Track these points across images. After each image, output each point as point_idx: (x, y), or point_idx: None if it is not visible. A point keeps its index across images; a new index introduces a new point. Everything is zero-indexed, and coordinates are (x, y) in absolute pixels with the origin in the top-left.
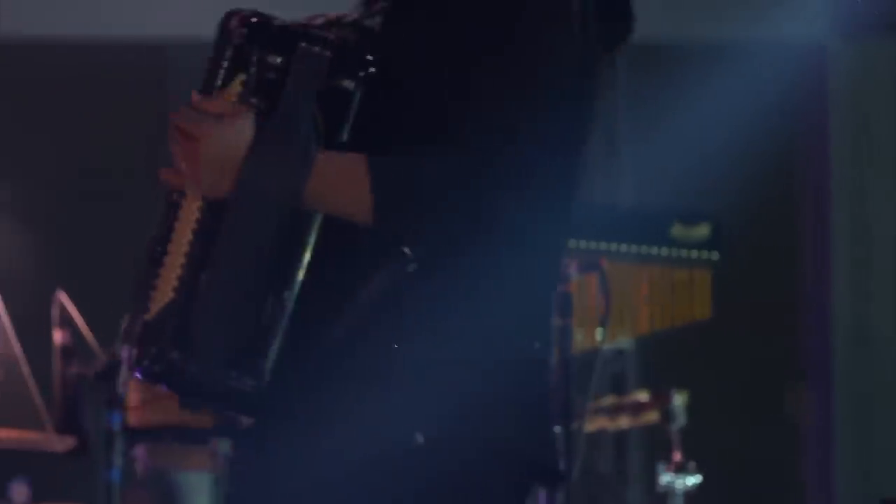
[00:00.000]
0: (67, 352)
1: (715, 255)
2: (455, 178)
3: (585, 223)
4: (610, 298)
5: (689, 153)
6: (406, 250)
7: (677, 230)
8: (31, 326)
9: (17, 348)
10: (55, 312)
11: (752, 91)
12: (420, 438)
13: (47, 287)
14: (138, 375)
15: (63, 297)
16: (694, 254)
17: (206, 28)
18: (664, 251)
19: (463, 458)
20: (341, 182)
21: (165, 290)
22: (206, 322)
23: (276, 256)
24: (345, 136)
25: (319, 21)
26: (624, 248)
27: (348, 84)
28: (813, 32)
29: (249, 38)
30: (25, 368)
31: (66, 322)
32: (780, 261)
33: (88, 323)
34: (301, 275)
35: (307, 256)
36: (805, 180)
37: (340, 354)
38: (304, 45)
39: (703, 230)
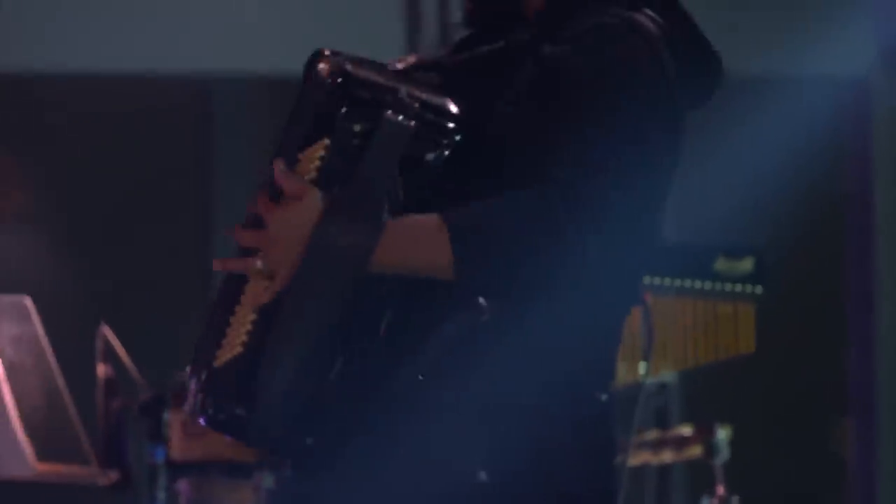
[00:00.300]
0: (111, 385)
1: (759, 289)
2: (538, 227)
3: None
4: (653, 332)
5: (732, 187)
6: (481, 301)
7: (721, 264)
8: (75, 360)
9: (60, 382)
10: (99, 346)
11: (795, 124)
12: (483, 475)
13: (91, 321)
14: (202, 422)
15: (107, 331)
16: (738, 287)
17: (250, 63)
18: (708, 285)
19: (525, 498)
20: (416, 243)
21: (235, 342)
22: (272, 379)
23: (345, 317)
24: (423, 198)
25: (404, 65)
26: (668, 281)
27: (430, 156)
28: (856, 66)
29: (338, 95)
30: (69, 402)
31: (110, 355)
32: (824, 294)
33: (132, 356)
34: (372, 336)
35: (379, 317)
36: (849, 213)
37: (408, 394)
38: (389, 114)
39: (746, 264)
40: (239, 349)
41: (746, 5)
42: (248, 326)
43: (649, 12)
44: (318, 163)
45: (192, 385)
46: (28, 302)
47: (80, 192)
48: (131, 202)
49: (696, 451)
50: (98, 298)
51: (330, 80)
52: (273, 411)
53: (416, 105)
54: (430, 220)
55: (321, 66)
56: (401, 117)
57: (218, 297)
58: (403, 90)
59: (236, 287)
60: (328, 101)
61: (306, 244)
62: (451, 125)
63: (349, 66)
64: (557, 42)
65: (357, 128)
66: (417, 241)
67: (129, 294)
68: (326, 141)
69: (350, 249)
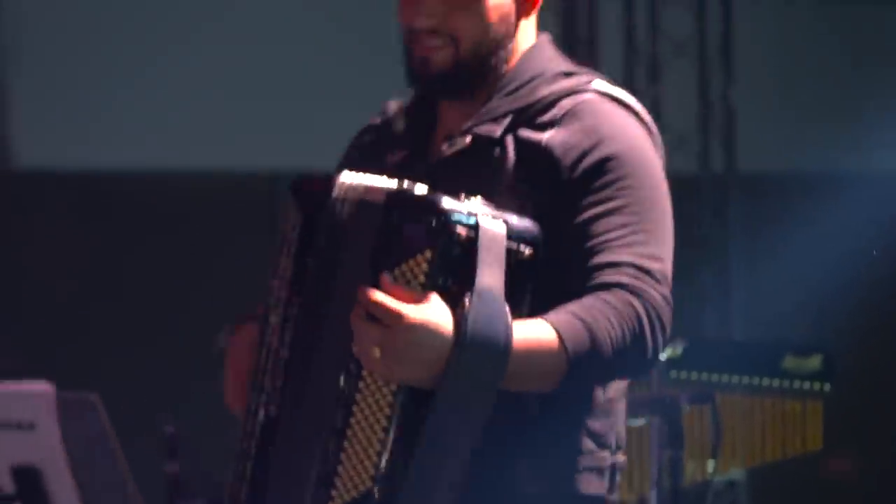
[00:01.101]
0: (178, 482)
1: (827, 387)
2: (633, 348)
3: (698, 355)
4: (722, 430)
5: (800, 284)
6: (535, 406)
7: (789, 362)
8: (142, 457)
9: (129, 479)
10: (165, 444)
11: (862, 222)
12: None
13: (157, 419)
14: None
15: (172, 429)
16: (806, 385)
17: (314, 159)
18: (776, 383)
19: None
20: (536, 368)
21: (357, 477)
22: None
23: (477, 440)
24: (526, 304)
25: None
26: (736, 379)
27: (527, 256)
28: None
29: (436, 222)
30: (137, 500)
31: (177, 452)
32: (891, 392)
33: (198, 453)
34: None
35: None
36: None
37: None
38: (485, 224)
39: (814, 362)
40: (367, 483)
41: (813, 103)
42: (373, 459)
43: (604, 82)
44: (422, 278)
45: None
46: (95, 399)
47: (146, 286)
48: (197, 296)
49: None
50: (164, 395)
51: (424, 215)
52: None
53: (505, 210)
54: (549, 339)
55: (375, 194)
56: (496, 225)
57: (289, 428)
58: (473, 200)
59: (332, 420)
60: (424, 225)
61: (443, 369)
62: (530, 225)
63: (403, 190)
64: (536, 126)
65: (459, 238)
66: (538, 367)
67: (196, 390)
68: (428, 255)
69: (486, 381)
